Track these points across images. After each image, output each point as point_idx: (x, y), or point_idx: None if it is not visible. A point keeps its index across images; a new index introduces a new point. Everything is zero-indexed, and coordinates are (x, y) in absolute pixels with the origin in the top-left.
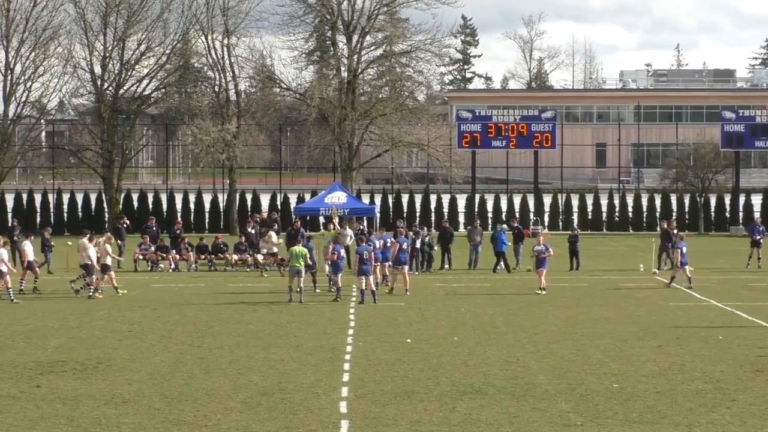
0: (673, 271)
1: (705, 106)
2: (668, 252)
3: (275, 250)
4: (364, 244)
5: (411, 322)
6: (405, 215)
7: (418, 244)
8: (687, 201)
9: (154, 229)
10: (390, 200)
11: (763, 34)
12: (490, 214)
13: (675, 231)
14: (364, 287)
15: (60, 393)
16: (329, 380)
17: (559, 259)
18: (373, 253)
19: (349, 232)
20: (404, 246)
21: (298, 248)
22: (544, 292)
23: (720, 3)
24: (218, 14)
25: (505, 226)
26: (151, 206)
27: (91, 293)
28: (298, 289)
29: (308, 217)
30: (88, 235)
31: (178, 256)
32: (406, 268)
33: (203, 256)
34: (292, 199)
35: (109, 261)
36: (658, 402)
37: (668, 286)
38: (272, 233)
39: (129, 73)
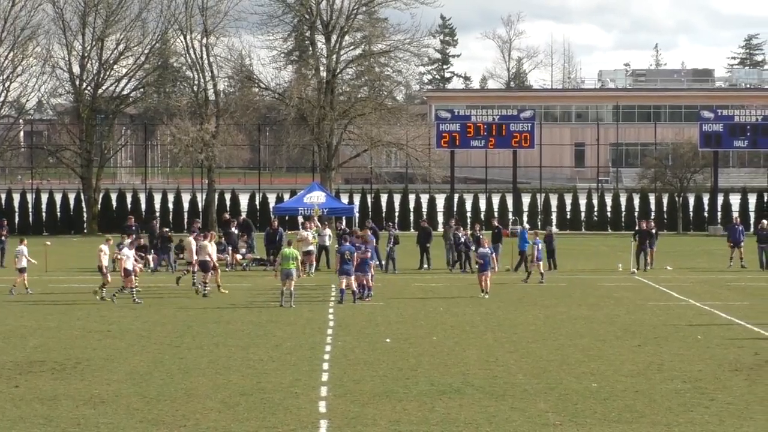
0: (530, 266)
1: (683, 106)
2: (646, 252)
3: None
4: (347, 243)
5: (390, 322)
6: (384, 215)
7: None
8: (665, 200)
9: (134, 228)
10: (369, 200)
11: (741, 34)
12: (468, 214)
13: (653, 231)
14: (344, 287)
15: (39, 393)
16: (308, 380)
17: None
18: (356, 254)
19: (328, 231)
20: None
21: (289, 250)
22: (486, 296)
23: (698, 3)
24: (197, 14)
25: (527, 225)
26: (129, 206)
27: (205, 291)
28: (289, 293)
29: (287, 217)
30: (203, 234)
31: (156, 256)
32: (352, 278)
33: (181, 256)
34: (271, 199)
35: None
36: (636, 401)
37: (525, 281)
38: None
39: (108, 73)
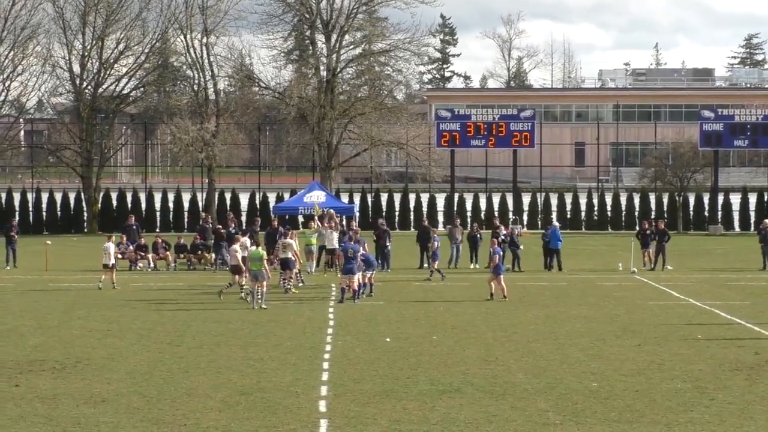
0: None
1: (684, 105)
2: (648, 251)
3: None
4: (351, 242)
5: (390, 321)
6: (384, 214)
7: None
8: (666, 200)
9: (135, 228)
10: (369, 199)
11: (741, 34)
12: (469, 213)
13: (647, 231)
14: (346, 286)
15: (39, 392)
16: (308, 379)
17: (536, 258)
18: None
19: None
20: (348, 252)
21: (255, 250)
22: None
23: (696, 2)
24: (197, 13)
25: (557, 224)
26: (129, 205)
27: (289, 286)
28: (259, 294)
29: (287, 216)
30: (284, 232)
31: (156, 256)
32: (355, 277)
33: (182, 256)
34: (271, 198)
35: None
36: (637, 401)
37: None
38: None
39: (108, 72)
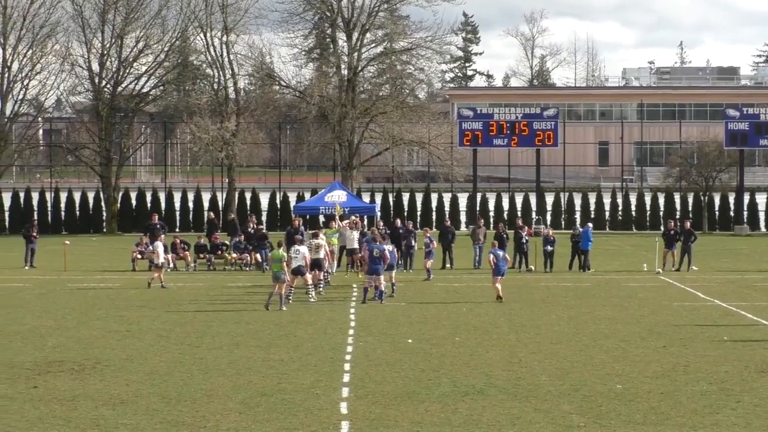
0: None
1: (709, 104)
2: (673, 252)
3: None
4: (377, 242)
5: (412, 322)
6: (405, 214)
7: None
8: (690, 200)
9: (158, 226)
10: (390, 199)
11: (767, 32)
12: (491, 213)
13: (671, 232)
14: (370, 286)
15: (57, 393)
16: (329, 381)
17: (562, 258)
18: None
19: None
20: (374, 252)
21: (276, 251)
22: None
23: (721, 0)
24: (217, 11)
25: (590, 224)
26: (149, 205)
27: (318, 289)
28: (278, 296)
29: (308, 216)
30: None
31: (176, 256)
32: (381, 278)
33: (202, 256)
34: (292, 197)
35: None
36: (662, 403)
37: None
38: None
39: (127, 71)
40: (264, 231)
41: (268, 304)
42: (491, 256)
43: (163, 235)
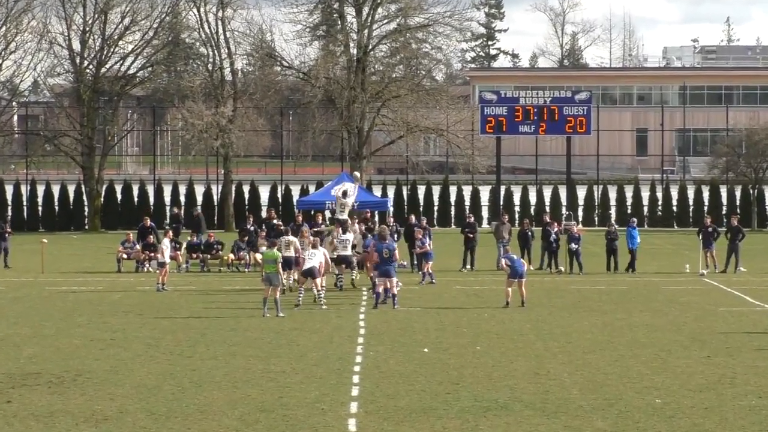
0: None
1: (759, 87)
2: (711, 251)
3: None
4: (387, 241)
5: (428, 330)
6: (421, 209)
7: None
8: (738, 193)
9: (150, 229)
10: (404, 192)
11: None
12: (517, 208)
13: (709, 229)
14: (381, 290)
15: (34, 409)
16: (336, 394)
17: (596, 259)
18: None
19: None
20: (384, 253)
21: (269, 251)
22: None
23: None
24: None
25: (634, 220)
26: (136, 199)
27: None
28: (273, 300)
29: (312, 212)
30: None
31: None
32: (395, 280)
33: (194, 256)
34: (295, 191)
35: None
36: (706, 419)
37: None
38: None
39: (112, 50)
40: (282, 227)
41: (264, 312)
42: (503, 260)
43: (170, 232)
